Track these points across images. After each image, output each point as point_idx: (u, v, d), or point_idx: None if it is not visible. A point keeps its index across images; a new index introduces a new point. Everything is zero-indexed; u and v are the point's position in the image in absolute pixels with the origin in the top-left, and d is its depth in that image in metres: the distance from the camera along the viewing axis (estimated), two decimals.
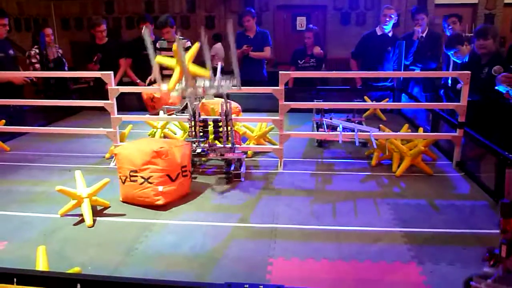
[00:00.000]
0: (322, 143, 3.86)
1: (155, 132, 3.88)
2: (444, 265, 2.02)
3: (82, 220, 2.44)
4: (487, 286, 1.48)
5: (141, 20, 5.60)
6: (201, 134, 3.12)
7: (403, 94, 5.14)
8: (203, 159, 3.34)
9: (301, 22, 10.83)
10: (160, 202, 2.61)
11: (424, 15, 5.75)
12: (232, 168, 3.06)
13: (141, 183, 2.60)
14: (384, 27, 5.33)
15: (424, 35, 5.84)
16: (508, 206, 1.47)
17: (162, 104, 4.40)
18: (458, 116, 3.24)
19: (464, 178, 3.13)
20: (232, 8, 10.86)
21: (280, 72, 3.18)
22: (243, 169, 3.10)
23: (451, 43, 4.44)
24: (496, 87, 3.33)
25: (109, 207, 2.64)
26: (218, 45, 9.13)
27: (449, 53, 4.47)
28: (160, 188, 2.59)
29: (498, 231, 2.34)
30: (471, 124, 3.33)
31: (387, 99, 5.18)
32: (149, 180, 2.59)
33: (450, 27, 5.48)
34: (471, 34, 4.59)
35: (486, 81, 3.65)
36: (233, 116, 3.17)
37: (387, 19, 5.29)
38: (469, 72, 3.12)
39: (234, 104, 3.71)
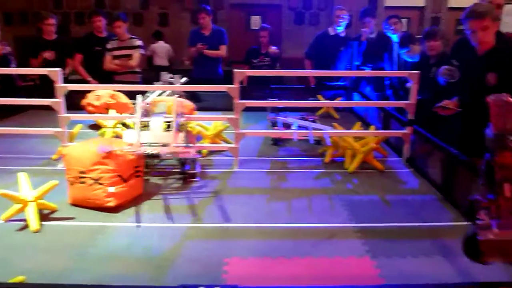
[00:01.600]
0: (277, 142, 3.87)
1: (106, 132, 3.76)
2: (397, 258, 2.08)
3: (28, 225, 2.31)
4: (496, 235, 1.41)
5: (115, 19, 5.31)
6: None
7: (356, 93, 5.26)
8: (155, 160, 3.26)
9: (255, 21, 10.87)
10: (111, 204, 2.52)
11: (371, 18, 5.92)
12: (187, 168, 3.01)
13: (91, 185, 2.50)
14: (337, 27, 5.44)
15: (373, 36, 6.00)
16: (498, 139, 1.42)
17: (102, 109, 4.20)
18: (407, 114, 3.35)
19: (414, 174, 3.24)
20: (187, 5, 10.73)
21: (234, 70, 3.16)
22: (198, 169, 3.05)
23: (404, 42, 4.59)
24: (438, 79, 3.48)
25: (57, 210, 2.52)
26: (159, 43, 8.97)
27: (401, 52, 4.62)
28: (111, 189, 2.50)
29: (447, 223, 2.47)
30: (420, 122, 3.45)
31: (340, 98, 5.29)
32: (99, 181, 2.49)
33: (391, 27, 5.67)
34: (420, 36, 4.76)
35: (434, 80, 3.79)
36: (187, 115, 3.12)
37: (339, 20, 5.40)
38: (418, 71, 3.23)
39: (188, 103, 3.65)
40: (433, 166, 3.04)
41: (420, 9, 11.21)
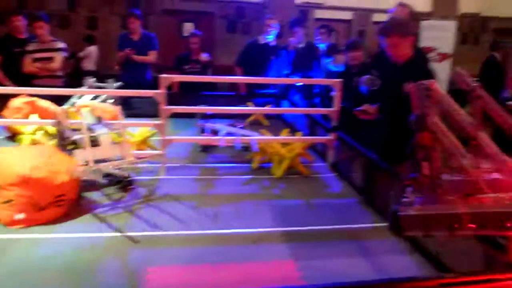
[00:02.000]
0: (205, 148, 3.85)
1: (23, 138, 3.53)
2: (319, 259, 2.14)
3: None
4: (417, 211, 1.48)
5: (36, 19, 4.96)
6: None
7: (285, 101, 5.37)
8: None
9: (187, 28, 10.79)
10: (17, 227, 2.29)
11: (299, 27, 6.10)
12: (123, 175, 2.89)
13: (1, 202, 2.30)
14: (267, 36, 5.54)
15: (302, 45, 6.19)
16: (418, 121, 1.49)
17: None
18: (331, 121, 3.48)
19: (338, 178, 3.36)
20: (116, 9, 10.43)
21: (160, 75, 3.11)
22: (133, 176, 2.93)
23: (329, 52, 4.78)
24: (360, 88, 3.65)
25: None
26: (92, 48, 8.68)
27: (326, 61, 4.80)
28: (19, 216, 2.28)
29: (367, 225, 2.58)
30: (344, 129, 3.59)
31: (270, 105, 5.37)
32: (10, 203, 2.27)
33: (318, 37, 5.91)
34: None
35: (357, 89, 3.97)
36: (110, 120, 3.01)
37: (269, 29, 5.50)
38: (341, 80, 3.37)
39: (111, 108, 3.51)
40: (355, 171, 3.17)
41: (348, 22, 11.75)
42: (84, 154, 2.54)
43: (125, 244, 2.22)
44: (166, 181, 3.13)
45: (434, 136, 1.46)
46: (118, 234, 2.31)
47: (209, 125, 3.78)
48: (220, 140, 3.27)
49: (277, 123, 5.15)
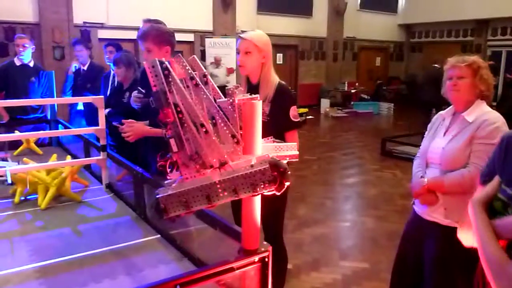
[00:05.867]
0: None
1: None
2: None
3: None
4: (174, 189, 1.45)
5: None
6: None
7: (60, 125, 4.97)
8: None
9: None
10: None
11: (81, 48, 5.81)
12: None
13: None
14: (21, 57, 5.12)
15: (85, 68, 5.90)
16: (158, 97, 1.42)
17: None
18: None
19: (113, 199, 3.22)
20: None
21: None
22: None
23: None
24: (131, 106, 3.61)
25: None
26: None
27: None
28: None
29: (136, 241, 2.51)
30: (119, 146, 3.49)
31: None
32: None
33: (106, 56, 5.75)
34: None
35: (129, 105, 3.91)
36: None
37: (21, 49, 5.10)
38: (102, 96, 3.25)
39: None
40: (128, 188, 3.09)
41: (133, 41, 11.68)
42: None
43: None
44: None
45: (177, 111, 1.45)
46: None
47: None
48: None
49: (54, 150, 4.72)
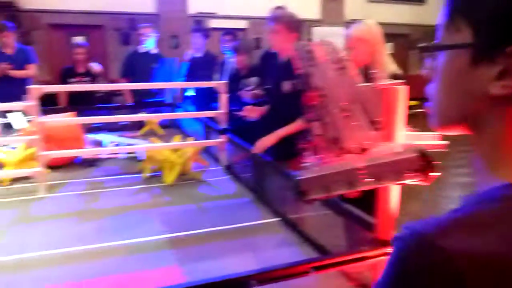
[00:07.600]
0: (91, 162, 3.63)
1: None
2: (206, 261, 2.08)
3: None
4: (315, 173, 1.40)
5: None
6: None
7: (178, 108, 5.28)
8: None
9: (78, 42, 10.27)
10: None
11: (199, 37, 6.09)
12: None
13: None
14: (144, 45, 5.49)
15: (200, 55, 6.17)
16: (302, 81, 1.45)
17: None
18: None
19: (232, 180, 3.35)
20: None
21: (28, 87, 2.88)
22: None
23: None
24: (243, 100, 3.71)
25: None
26: None
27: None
28: None
29: (257, 221, 2.59)
30: (236, 131, 3.60)
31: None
32: None
33: (224, 44, 5.96)
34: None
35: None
36: None
37: (142, 38, 5.47)
38: (225, 81, 3.38)
39: None
40: (246, 171, 3.19)
41: (244, 30, 12.00)
42: None
43: None
44: (47, 200, 2.89)
45: (321, 94, 1.45)
46: None
47: (91, 137, 3.57)
48: (102, 151, 3.10)
49: (172, 132, 5.05)
